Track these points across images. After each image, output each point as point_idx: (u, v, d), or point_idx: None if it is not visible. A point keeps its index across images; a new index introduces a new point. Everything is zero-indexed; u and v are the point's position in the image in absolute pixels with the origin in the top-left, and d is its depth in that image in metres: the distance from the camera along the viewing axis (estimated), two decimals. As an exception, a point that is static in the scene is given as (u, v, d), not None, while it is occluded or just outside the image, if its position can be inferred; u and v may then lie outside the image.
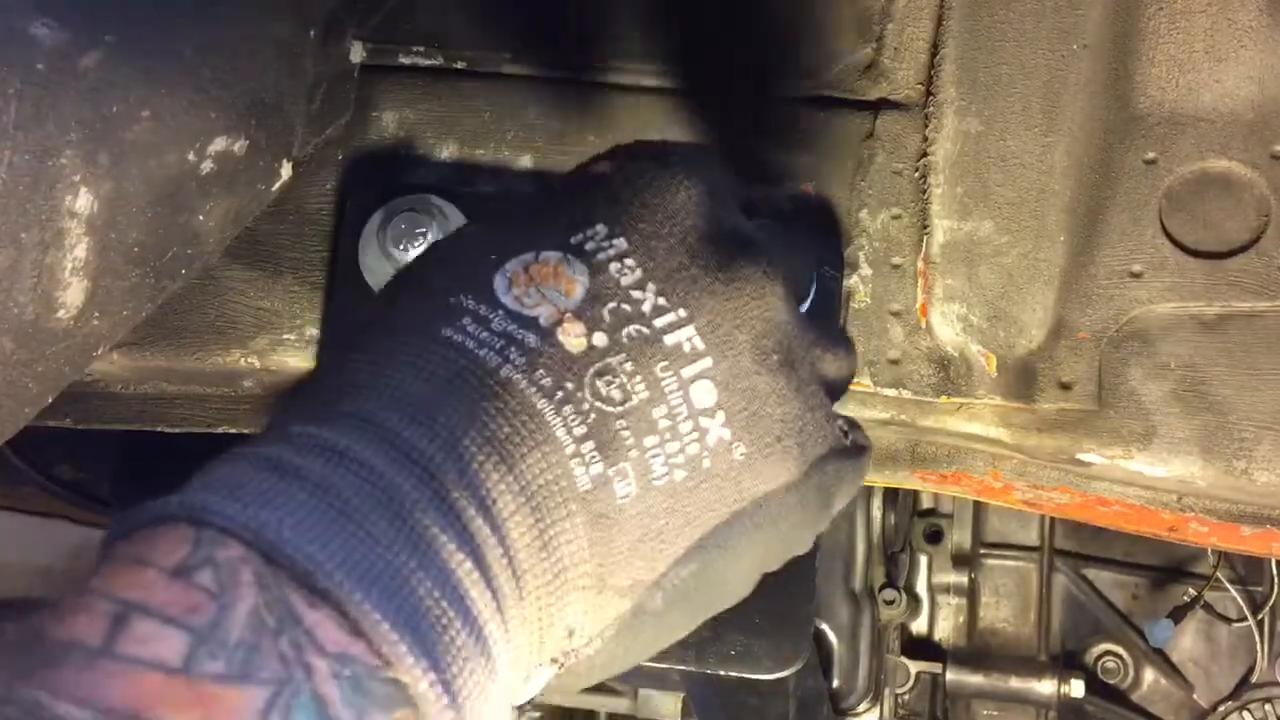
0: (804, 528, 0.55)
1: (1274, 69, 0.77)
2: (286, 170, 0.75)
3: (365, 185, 0.81)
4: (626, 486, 0.49)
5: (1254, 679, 1.60)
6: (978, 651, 1.66)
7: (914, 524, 1.65)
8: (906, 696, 1.62)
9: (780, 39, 0.82)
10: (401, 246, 0.75)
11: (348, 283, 0.78)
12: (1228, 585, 1.57)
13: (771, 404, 0.52)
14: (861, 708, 1.51)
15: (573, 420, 0.48)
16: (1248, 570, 1.61)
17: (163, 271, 0.67)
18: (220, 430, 0.84)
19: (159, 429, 0.84)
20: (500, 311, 0.50)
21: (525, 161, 0.82)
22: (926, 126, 0.79)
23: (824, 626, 1.45)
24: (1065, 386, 0.77)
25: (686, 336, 0.51)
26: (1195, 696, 1.64)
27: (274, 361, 0.80)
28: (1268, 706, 1.59)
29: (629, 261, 0.51)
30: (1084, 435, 0.77)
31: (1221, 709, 1.61)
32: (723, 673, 0.77)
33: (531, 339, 0.49)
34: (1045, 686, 1.59)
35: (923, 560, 1.66)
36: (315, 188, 0.81)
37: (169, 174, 0.64)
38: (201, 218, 0.68)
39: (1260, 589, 1.59)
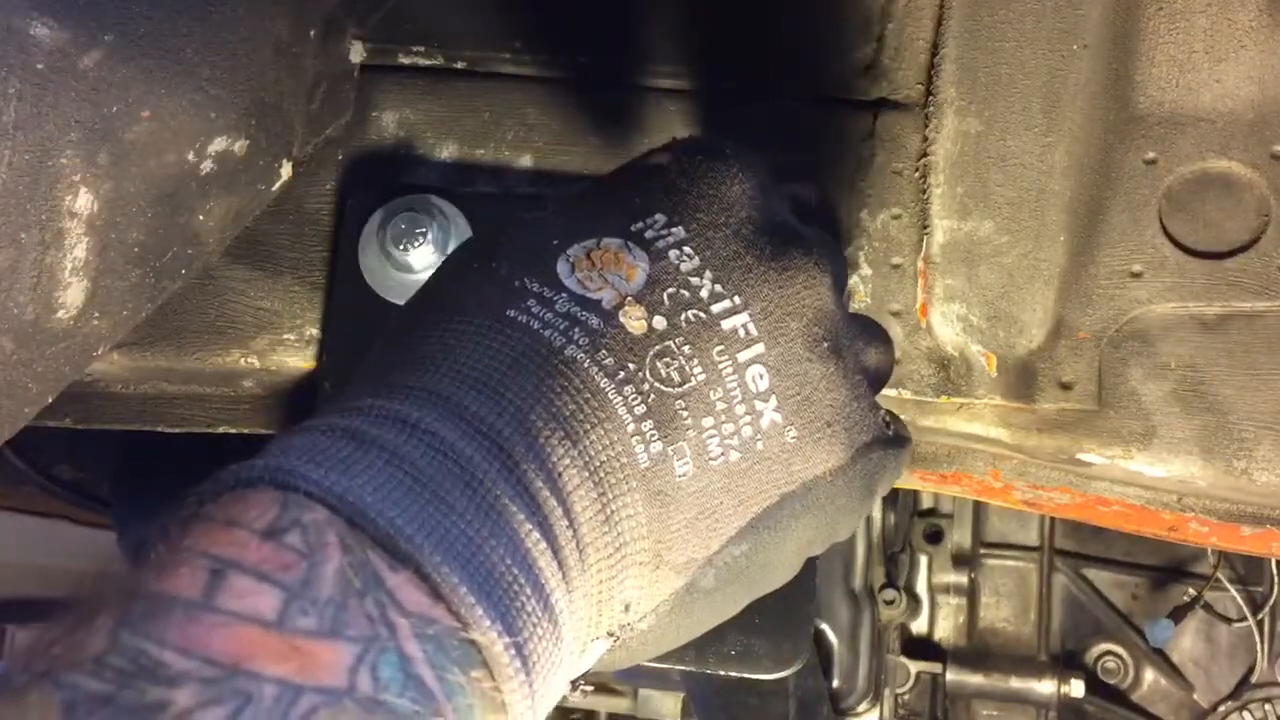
0: (849, 512, 0.57)
1: (1274, 69, 0.77)
2: (286, 170, 0.75)
3: (365, 185, 0.81)
4: (684, 465, 0.50)
5: (1254, 679, 1.60)
6: (978, 651, 1.66)
7: (914, 524, 1.66)
8: (906, 696, 1.62)
9: (780, 39, 0.82)
10: (401, 246, 0.75)
11: (348, 283, 0.78)
12: (1228, 585, 1.57)
13: (821, 390, 0.54)
14: (861, 708, 1.51)
15: (633, 400, 0.50)
16: (1248, 570, 1.61)
17: (163, 271, 0.67)
18: (220, 430, 0.84)
19: (159, 429, 0.84)
20: (564, 294, 0.51)
21: (525, 161, 0.82)
22: (926, 126, 0.79)
23: (824, 626, 1.45)
24: (1065, 386, 0.77)
25: (741, 322, 0.52)
26: (1195, 696, 1.64)
27: (274, 361, 0.80)
28: (1268, 706, 1.59)
29: (687, 249, 0.53)
30: (1084, 435, 0.77)
31: (1221, 709, 1.61)
32: (723, 673, 0.76)
33: (594, 321, 0.51)
34: (1045, 686, 1.59)
35: (923, 560, 1.66)
36: (315, 188, 0.81)
37: (169, 174, 0.64)
38: (201, 218, 0.68)
39: (1260, 589, 1.59)
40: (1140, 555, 1.68)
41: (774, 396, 0.52)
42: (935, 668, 1.62)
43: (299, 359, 0.80)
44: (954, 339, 0.78)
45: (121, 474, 1.28)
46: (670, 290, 0.52)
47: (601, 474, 0.48)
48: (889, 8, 0.81)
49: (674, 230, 0.54)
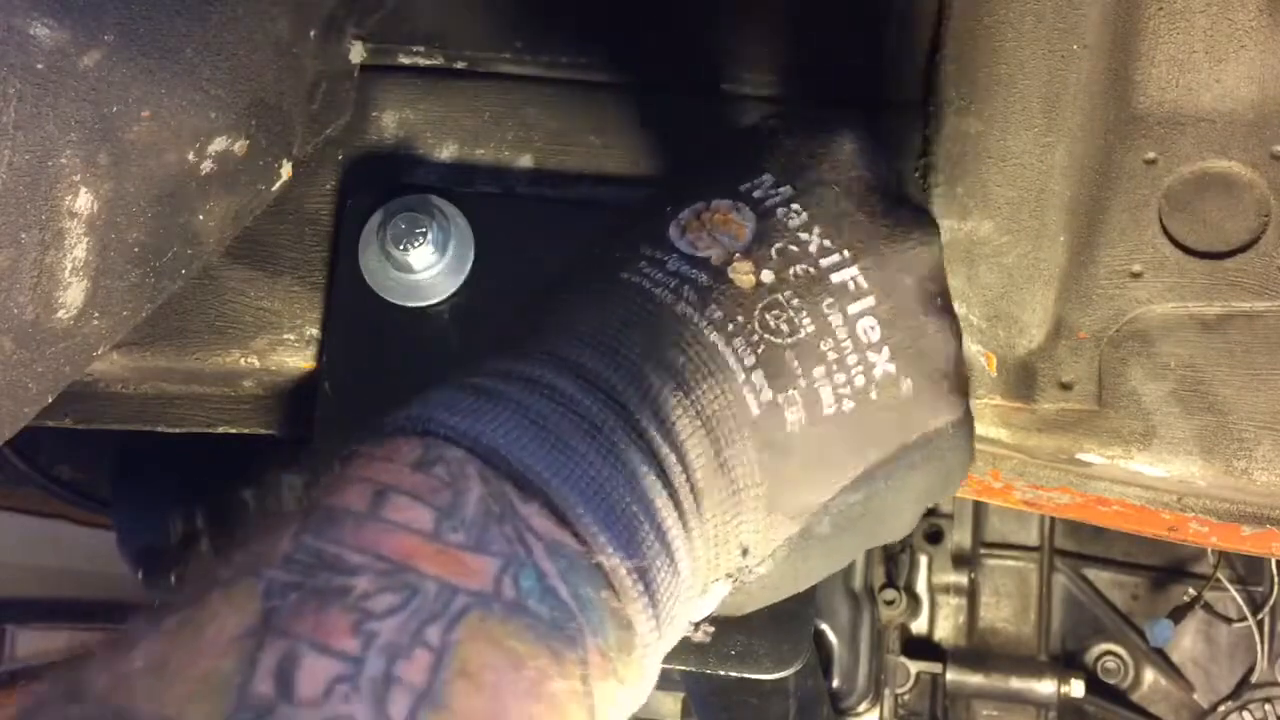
0: (962, 465, 0.59)
1: (1274, 69, 0.77)
2: (286, 170, 0.75)
3: (365, 185, 0.81)
4: (795, 413, 0.52)
5: (1254, 679, 1.60)
6: (978, 651, 1.66)
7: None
8: (906, 696, 1.62)
9: (780, 39, 0.82)
10: (401, 246, 0.75)
11: (348, 283, 0.78)
12: (1228, 585, 1.57)
13: (938, 343, 0.56)
14: (861, 708, 1.51)
15: (743, 351, 0.51)
16: (1248, 570, 1.61)
17: (163, 271, 0.67)
18: (220, 430, 0.84)
19: (159, 429, 0.84)
20: (674, 254, 0.54)
21: (525, 161, 0.82)
22: (926, 126, 0.79)
23: (824, 626, 1.45)
24: (1065, 386, 0.77)
25: (850, 276, 0.54)
26: (1195, 696, 1.64)
27: (274, 361, 0.80)
28: (1268, 706, 1.59)
29: (794, 206, 0.55)
30: (1084, 435, 0.77)
31: (1221, 709, 1.61)
32: (723, 673, 0.77)
33: (704, 278, 0.53)
34: (1045, 686, 1.59)
35: (923, 560, 1.66)
36: (315, 188, 0.81)
37: (169, 174, 0.64)
38: (201, 218, 0.68)
39: (1260, 589, 1.59)
40: (1140, 555, 1.67)
41: (886, 348, 0.54)
42: (935, 668, 1.61)
43: (299, 359, 0.80)
44: (954, 339, 0.78)
45: (121, 474, 1.28)
46: (778, 245, 0.54)
47: (714, 422, 0.50)
48: (889, 8, 0.81)
49: (781, 189, 0.56)
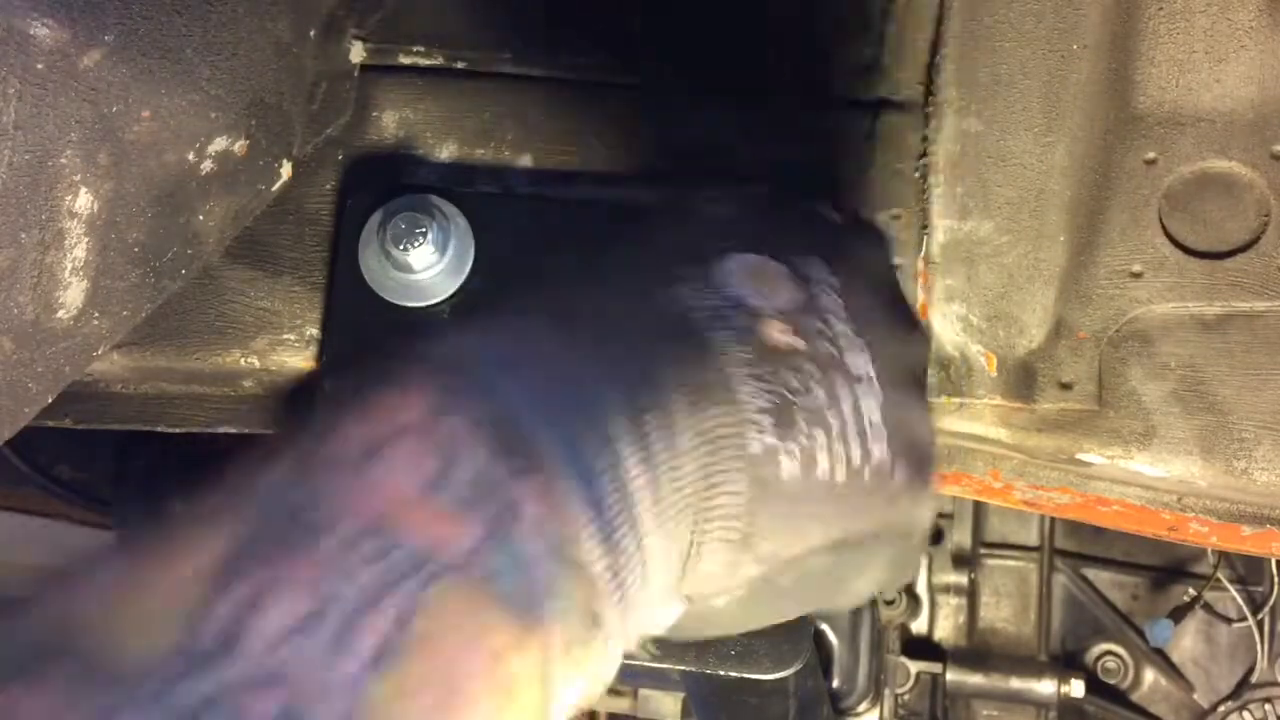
0: (920, 554, 0.62)
1: (1274, 69, 0.77)
2: (286, 170, 0.75)
3: (365, 185, 0.81)
4: (792, 465, 0.54)
5: (1254, 679, 1.60)
6: (978, 651, 1.66)
7: (914, 524, 1.65)
8: (906, 696, 1.62)
9: (780, 39, 0.82)
10: (401, 246, 0.75)
11: (348, 283, 0.78)
12: (1228, 585, 1.57)
13: (926, 438, 0.60)
14: (861, 708, 1.51)
15: (757, 394, 0.53)
16: (1248, 570, 1.61)
17: (163, 271, 0.67)
18: (220, 430, 0.84)
19: (159, 429, 0.84)
20: (719, 292, 0.56)
21: (525, 161, 0.82)
22: (926, 126, 0.79)
23: (824, 626, 1.45)
24: (1065, 386, 0.77)
25: (866, 368, 0.58)
26: (1195, 696, 1.64)
27: (274, 361, 0.80)
28: (1268, 706, 1.59)
29: (835, 294, 0.59)
30: (1084, 435, 0.77)
31: (1221, 709, 1.61)
32: (723, 673, 0.77)
33: (740, 321, 0.55)
34: (1045, 686, 1.59)
35: (923, 560, 1.66)
36: (315, 188, 0.81)
37: (169, 174, 0.64)
38: (201, 218, 0.68)
39: (1260, 589, 1.59)
40: (1140, 555, 1.67)
41: (884, 438, 0.57)
42: (935, 668, 1.62)
43: (299, 359, 0.80)
44: (954, 339, 0.78)
45: (121, 474, 1.28)
46: (815, 322, 0.57)
47: (715, 444, 0.52)
48: (889, 8, 0.81)
49: (831, 279, 0.60)
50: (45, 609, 0.39)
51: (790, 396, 0.54)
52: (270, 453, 0.45)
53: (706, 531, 0.52)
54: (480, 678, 0.41)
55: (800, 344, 0.56)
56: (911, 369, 0.61)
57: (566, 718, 0.47)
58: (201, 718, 0.35)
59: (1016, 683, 1.60)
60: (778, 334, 0.55)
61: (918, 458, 0.59)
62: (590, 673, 0.47)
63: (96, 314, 0.62)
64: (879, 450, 0.56)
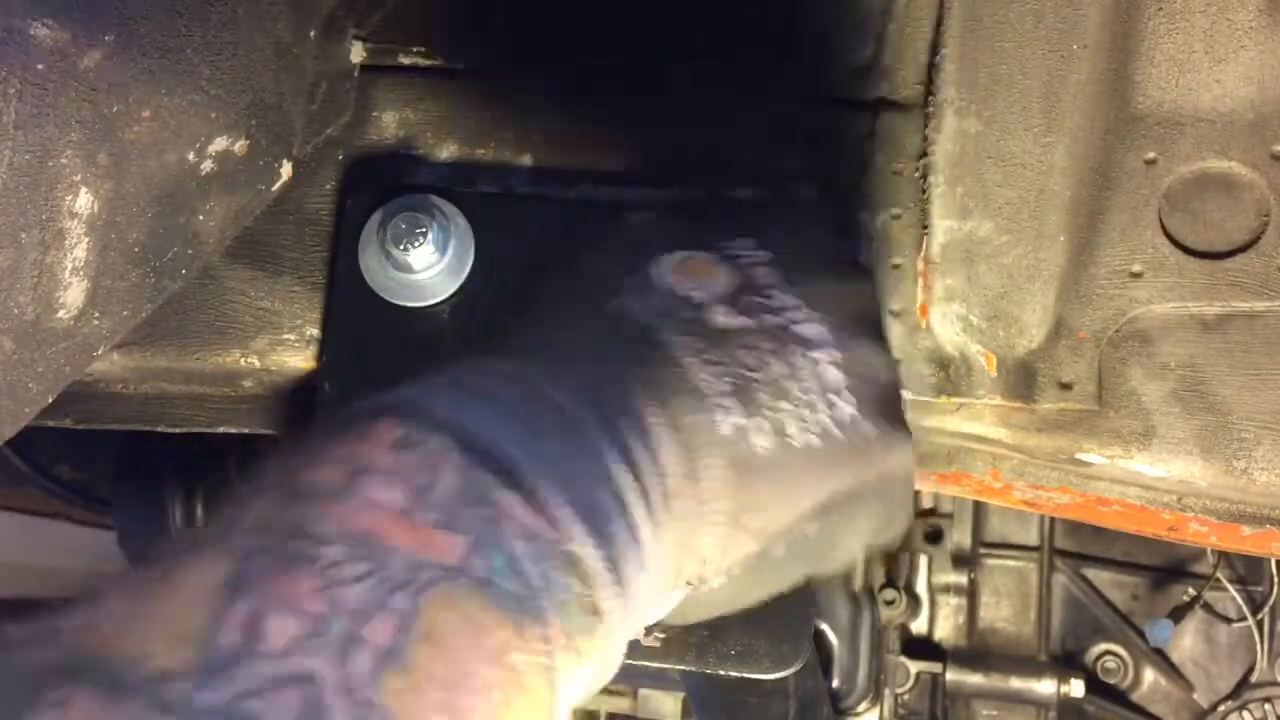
0: (908, 503, 0.63)
1: (1274, 69, 0.77)
2: (286, 170, 0.75)
3: (365, 185, 0.81)
4: (765, 440, 0.55)
5: (1254, 679, 1.60)
6: (978, 651, 1.66)
7: (914, 524, 1.65)
8: (906, 696, 1.62)
9: (780, 39, 0.82)
10: (401, 246, 0.75)
11: (348, 283, 0.78)
12: (1228, 585, 1.57)
13: (890, 387, 0.62)
14: (861, 708, 1.51)
15: (716, 379, 0.55)
16: (1248, 570, 1.60)
17: (163, 271, 0.67)
18: (220, 430, 0.84)
19: (159, 429, 0.84)
20: (658, 292, 0.59)
21: (525, 161, 0.81)
22: (926, 126, 0.79)
23: (824, 626, 1.45)
24: (1065, 386, 0.77)
25: (815, 330, 0.59)
26: (1195, 696, 1.64)
27: (274, 361, 0.80)
28: (1267, 706, 1.59)
29: (769, 268, 0.61)
30: (1084, 435, 0.77)
31: (1221, 709, 1.61)
32: (723, 672, 0.77)
33: (684, 312, 0.58)
34: (1045, 686, 1.59)
35: (923, 560, 1.66)
36: (315, 188, 0.81)
37: (169, 174, 0.64)
38: (201, 218, 0.68)
39: (1260, 589, 1.59)
40: (1140, 555, 1.67)
41: (846, 389, 0.59)
42: (935, 668, 1.61)
43: (299, 359, 0.80)
44: (954, 339, 0.78)
45: (121, 474, 1.28)
46: (755, 298, 0.59)
47: (687, 435, 0.53)
48: (889, 8, 0.81)
49: (759, 253, 0.62)
50: (60, 632, 0.40)
51: (748, 374, 0.56)
52: (257, 485, 0.46)
53: (698, 517, 0.53)
54: (487, 670, 0.43)
55: (747, 322, 0.58)
56: (861, 313, 0.63)
57: (570, 709, 0.48)
58: (231, 717, 0.37)
59: (1016, 683, 1.60)
60: (722, 318, 0.58)
61: (884, 405, 0.60)
62: (594, 658, 0.48)
63: (97, 314, 0.62)
64: (847, 408, 0.58)
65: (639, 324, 0.57)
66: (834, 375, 0.59)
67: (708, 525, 0.54)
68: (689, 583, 0.56)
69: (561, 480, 0.48)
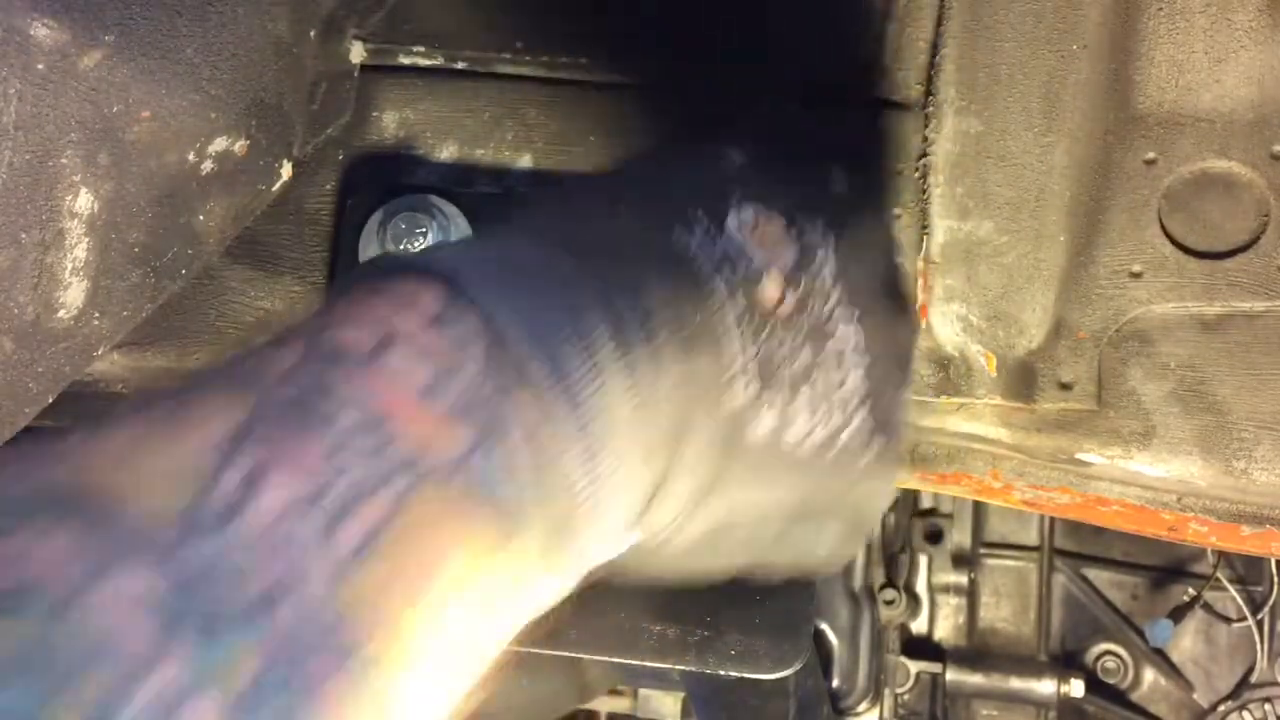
0: (866, 535, 0.64)
1: (1274, 69, 0.77)
2: (286, 170, 0.75)
3: (365, 185, 0.81)
4: (771, 419, 0.56)
5: (1254, 679, 1.59)
6: (978, 651, 1.66)
7: (914, 524, 1.65)
8: (906, 696, 1.62)
9: (780, 40, 0.82)
10: (401, 246, 0.75)
11: (348, 283, 0.78)
12: (1228, 585, 1.57)
13: (902, 409, 0.62)
14: (861, 708, 1.51)
15: (749, 342, 0.55)
16: (1248, 570, 1.60)
17: (163, 271, 0.67)
18: (220, 430, 0.84)
19: (159, 429, 0.84)
20: (727, 239, 0.58)
21: (525, 161, 0.82)
22: (926, 126, 0.79)
23: (824, 626, 1.45)
24: (1065, 386, 0.77)
25: (855, 337, 0.60)
26: (1195, 696, 1.64)
27: (274, 361, 0.80)
28: (1267, 706, 1.59)
29: (832, 263, 0.61)
30: (1084, 435, 0.77)
31: (1221, 709, 1.61)
32: (723, 672, 0.77)
33: (743, 270, 0.57)
34: (1045, 686, 1.59)
35: (923, 560, 1.66)
36: (315, 188, 0.81)
37: (169, 174, 0.64)
38: (201, 218, 0.68)
39: (1260, 589, 1.59)
40: (1140, 555, 1.67)
41: (865, 408, 0.59)
42: (935, 668, 1.61)
43: (299, 359, 0.80)
44: (954, 339, 0.78)
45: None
46: (810, 283, 0.59)
47: (699, 388, 0.53)
48: (889, 8, 0.81)
49: (827, 239, 0.62)
50: (61, 459, 0.40)
51: (779, 349, 0.56)
52: (285, 333, 0.46)
53: (679, 465, 0.53)
54: (460, 564, 0.43)
55: (791, 302, 0.58)
56: (897, 350, 0.63)
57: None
58: (197, 580, 0.37)
59: (1016, 682, 1.60)
60: (774, 291, 0.57)
61: (890, 436, 0.61)
62: (562, 572, 0.49)
63: (96, 314, 0.62)
64: (858, 418, 0.59)
65: (696, 261, 0.56)
66: (857, 384, 0.59)
67: (688, 477, 0.54)
68: (645, 531, 0.56)
69: (569, 398, 0.48)
